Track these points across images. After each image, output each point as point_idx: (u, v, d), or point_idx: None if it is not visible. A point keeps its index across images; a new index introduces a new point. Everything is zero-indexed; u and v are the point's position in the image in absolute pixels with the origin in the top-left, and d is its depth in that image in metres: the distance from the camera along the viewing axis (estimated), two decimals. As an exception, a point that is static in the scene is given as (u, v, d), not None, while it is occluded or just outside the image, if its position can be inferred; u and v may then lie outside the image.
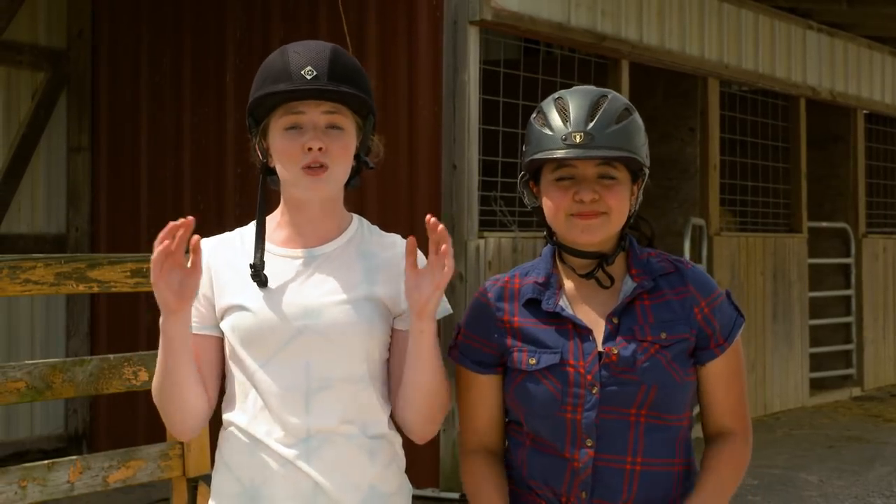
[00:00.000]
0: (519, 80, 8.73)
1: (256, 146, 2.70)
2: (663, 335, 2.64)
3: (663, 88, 10.72)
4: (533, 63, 9.48)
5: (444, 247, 2.53)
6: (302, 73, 2.57)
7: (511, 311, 2.72)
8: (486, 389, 2.74)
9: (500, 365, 2.72)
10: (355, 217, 2.77)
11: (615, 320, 2.66)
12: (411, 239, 2.58)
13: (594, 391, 2.61)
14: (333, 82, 2.59)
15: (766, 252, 11.38)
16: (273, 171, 2.69)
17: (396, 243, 2.74)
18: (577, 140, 2.61)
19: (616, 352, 2.62)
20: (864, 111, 13.33)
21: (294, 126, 2.60)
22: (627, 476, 2.63)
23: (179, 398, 2.62)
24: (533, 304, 2.71)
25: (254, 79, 2.69)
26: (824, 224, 12.68)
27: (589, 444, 2.62)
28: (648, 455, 2.63)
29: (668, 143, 10.67)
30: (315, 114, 2.60)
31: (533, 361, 2.65)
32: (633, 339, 2.64)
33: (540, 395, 2.63)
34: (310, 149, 2.58)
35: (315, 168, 2.60)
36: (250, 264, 2.64)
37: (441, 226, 2.53)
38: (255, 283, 2.64)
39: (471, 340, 2.74)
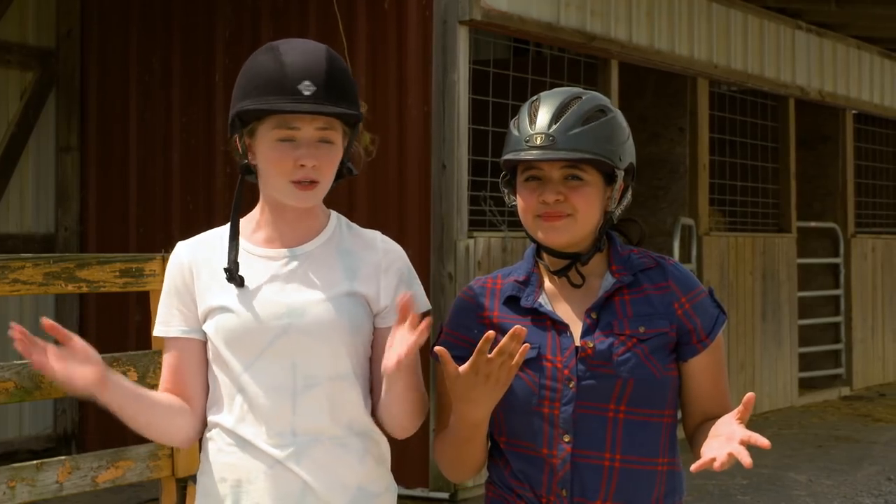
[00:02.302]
0: (508, 79, 8.74)
1: (238, 145, 2.67)
2: (641, 329, 2.66)
3: (653, 88, 10.73)
4: (522, 63, 9.48)
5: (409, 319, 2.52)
6: (299, 87, 2.55)
7: (491, 308, 2.74)
8: None
9: None
10: (333, 214, 2.77)
11: (594, 315, 2.68)
12: (405, 296, 2.54)
13: (571, 385, 2.62)
14: (332, 99, 2.58)
15: (756, 252, 11.39)
16: (250, 171, 2.68)
17: (376, 240, 2.75)
18: (538, 142, 2.64)
19: (592, 345, 2.64)
20: (853, 111, 13.36)
21: (287, 139, 2.59)
22: (606, 473, 2.62)
23: (158, 432, 2.71)
24: (513, 302, 2.73)
25: (240, 78, 2.65)
26: (813, 224, 12.70)
27: (566, 440, 2.62)
28: (628, 452, 2.63)
29: (657, 142, 10.68)
30: (309, 129, 2.59)
31: None
32: (611, 333, 2.65)
33: (518, 390, 2.63)
34: (302, 165, 2.58)
35: (305, 183, 2.60)
36: (224, 268, 2.65)
37: (406, 300, 2.52)
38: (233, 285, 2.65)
39: (451, 337, 2.75)
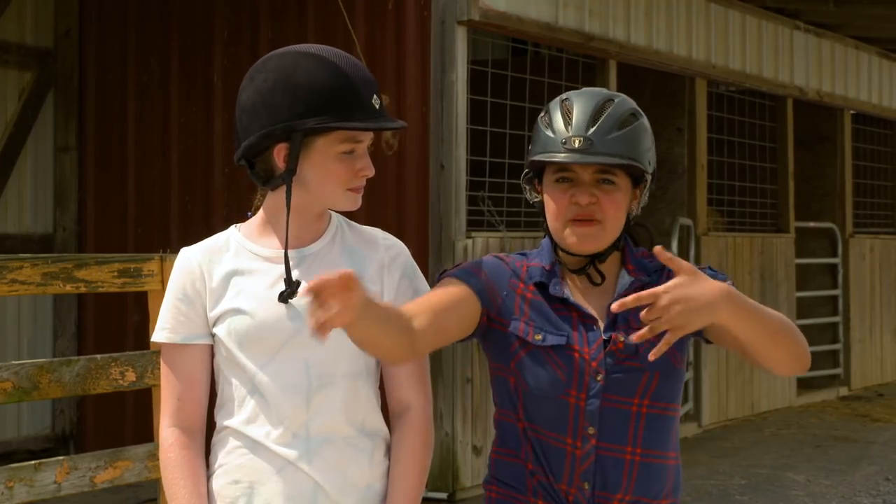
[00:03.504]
0: (507, 80, 8.74)
1: (288, 155, 2.63)
2: None
3: (651, 88, 10.73)
4: (521, 63, 9.49)
5: None
6: (371, 102, 2.64)
7: (523, 283, 2.73)
8: (464, 299, 2.66)
9: (491, 313, 2.70)
10: (333, 214, 2.79)
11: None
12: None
13: (598, 378, 2.64)
14: (385, 112, 2.69)
15: (754, 252, 11.40)
16: (270, 177, 2.67)
17: (378, 237, 2.79)
18: (576, 145, 2.64)
19: (622, 339, 2.65)
20: (851, 111, 13.36)
21: (350, 151, 2.65)
22: (627, 466, 2.64)
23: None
24: (541, 287, 2.73)
25: (289, 88, 2.59)
26: (811, 224, 12.71)
27: (591, 432, 2.64)
28: (647, 447, 2.65)
29: (655, 143, 10.67)
30: (367, 141, 2.69)
31: (539, 337, 2.67)
32: (629, 328, 2.65)
33: (546, 375, 2.65)
34: (364, 175, 2.66)
35: (358, 188, 2.68)
36: (285, 288, 2.63)
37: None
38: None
39: (477, 271, 2.73)
